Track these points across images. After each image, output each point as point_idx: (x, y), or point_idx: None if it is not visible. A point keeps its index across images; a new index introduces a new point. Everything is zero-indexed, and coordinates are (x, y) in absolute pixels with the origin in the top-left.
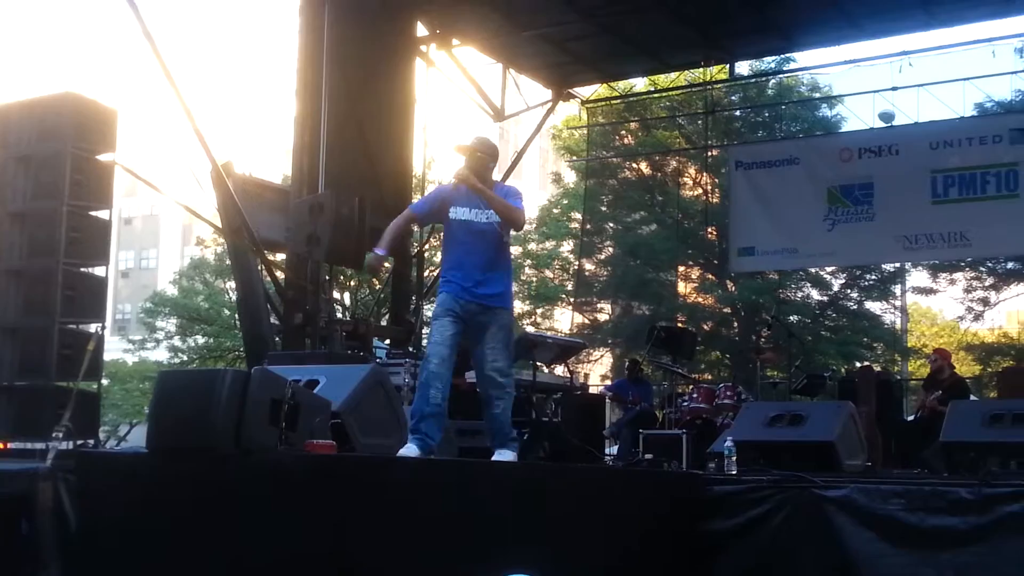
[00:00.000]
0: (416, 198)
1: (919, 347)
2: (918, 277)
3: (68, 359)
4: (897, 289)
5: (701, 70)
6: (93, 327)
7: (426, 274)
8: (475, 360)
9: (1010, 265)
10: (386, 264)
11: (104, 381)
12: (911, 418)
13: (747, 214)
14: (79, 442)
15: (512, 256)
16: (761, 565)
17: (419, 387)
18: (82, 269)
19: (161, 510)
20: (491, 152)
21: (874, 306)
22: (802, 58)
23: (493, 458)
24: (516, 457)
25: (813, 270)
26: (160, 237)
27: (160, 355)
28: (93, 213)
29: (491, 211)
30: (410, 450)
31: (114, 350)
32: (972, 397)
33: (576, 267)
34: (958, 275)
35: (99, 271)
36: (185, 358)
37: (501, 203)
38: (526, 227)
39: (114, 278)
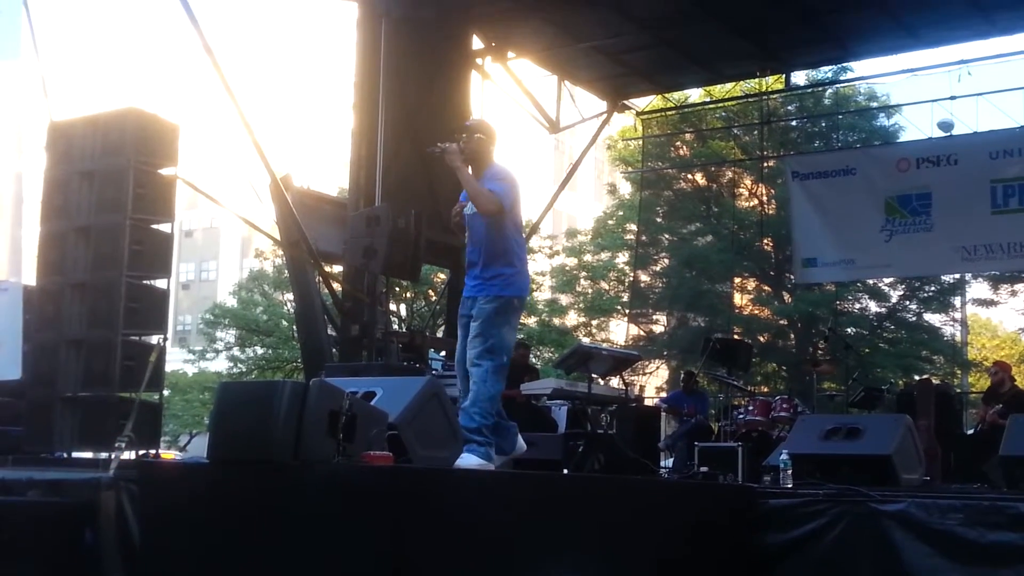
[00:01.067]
0: None
1: (979, 360)
2: (978, 289)
3: (131, 370)
4: (957, 301)
5: (756, 80)
6: (155, 339)
7: None
8: None
9: None
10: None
11: (165, 392)
12: (971, 431)
13: (806, 225)
14: (141, 452)
15: (567, 267)
16: None
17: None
18: (144, 281)
19: (221, 520)
20: (489, 133)
21: (933, 318)
22: (859, 67)
23: (457, 461)
24: (480, 461)
25: (871, 281)
26: (220, 249)
27: (220, 366)
28: (155, 226)
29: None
30: (465, 460)
31: (175, 361)
32: None
33: (631, 278)
34: (1019, 286)
35: (161, 283)
36: (244, 369)
37: (468, 184)
38: (581, 238)
39: (175, 290)
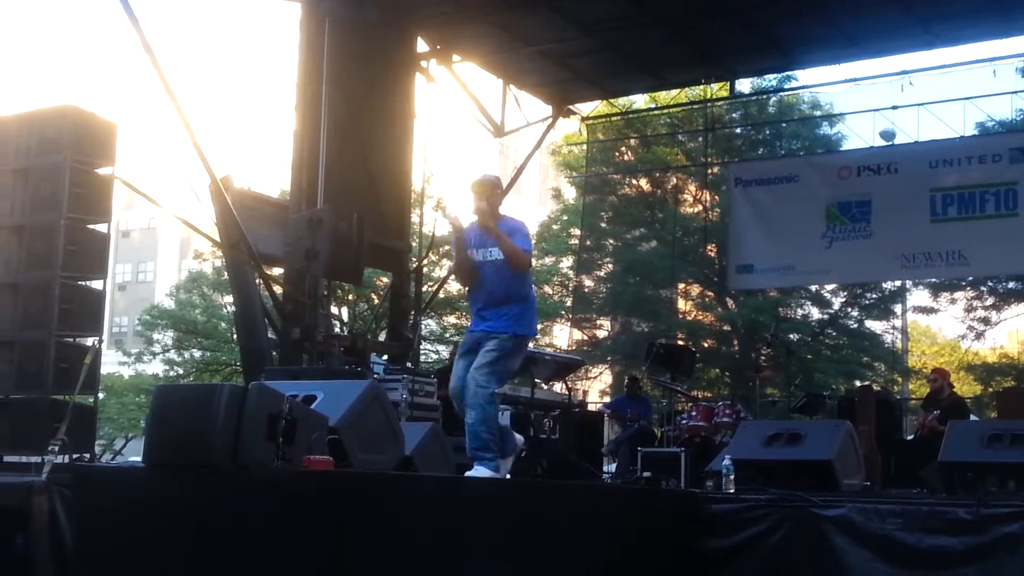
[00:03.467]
0: (415, 213)
1: (919, 367)
2: (919, 296)
3: (65, 372)
4: (897, 308)
5: (702, 87)
6: (90, 340)
7: (424, 289)
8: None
9: (1011, 284)
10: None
11: (100, 395)
12: (911, 437)
13: (746, 231)
14: (75, 456)
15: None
16: None
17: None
18: (80, 282)
19: (157, 525)
20: (501, 188)
21: (875, 325)
22: (803, 76)
23: (468, 473)
24: (491, 472)
25: (814, 288)
26: (158, 250)
27: (157, 368)
28: (91, 226)
29: (497, 248)
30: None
31: (111, 363)
32: (972, 417)
33: (575, 283)
34: (959, 294)
35: (96, 284)
36: (182, 372)
37: (508, 246)
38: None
39: (111, 291)
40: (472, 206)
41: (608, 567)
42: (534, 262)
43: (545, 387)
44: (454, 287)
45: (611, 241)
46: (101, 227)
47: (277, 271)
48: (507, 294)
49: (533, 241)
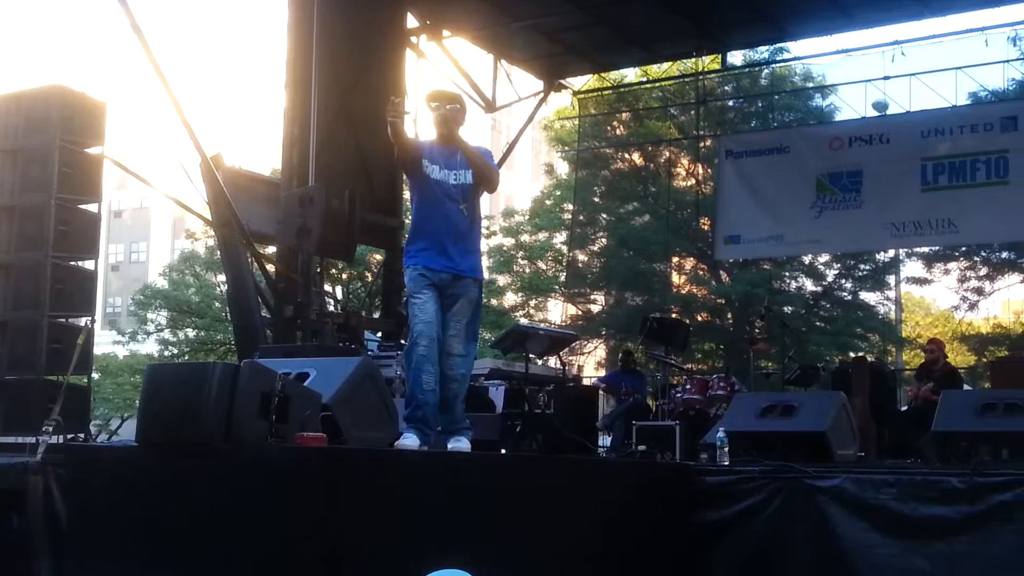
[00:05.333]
0: (406, 190)
1: (913, 337)
2: (912, 267)
3: (58, 353)
4: (891, 279)
5: (693, 60)
6: (83, 321)
7: None
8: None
9: (1004, 254)
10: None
11: (94, 375)
12: (905, 408)
13: (734, 202)
14: (69, 436)
15: (504, 247)
16: (754, 555)
17: (411, 373)
18: (71, 263)
19: (152, 503)
20: (464, 107)
21: (868, 296)
22: (795, 48)
23: (450, 447)
24: (470, 445)
25: (807, 260)
26: (150, 230)
27: (151, 348)
28: (82, 206)
29: (466, 170)
30: (409, 440)
31: (104, 343)
32: (966, 387)
33: (569, 258)
34: (952, 265)
35: (88, 264)
36: (176, 351)
37: (480, 159)
38: (519, 218)
39: (104, 271)
40: (433, 118)
41: (603, 540)
42: (527, 237)
43: (539, 362)
44: None
45: (604, 215)
46: (92, 207)
47: (270, 249)
48: (472, 225)
49: (527, 217)
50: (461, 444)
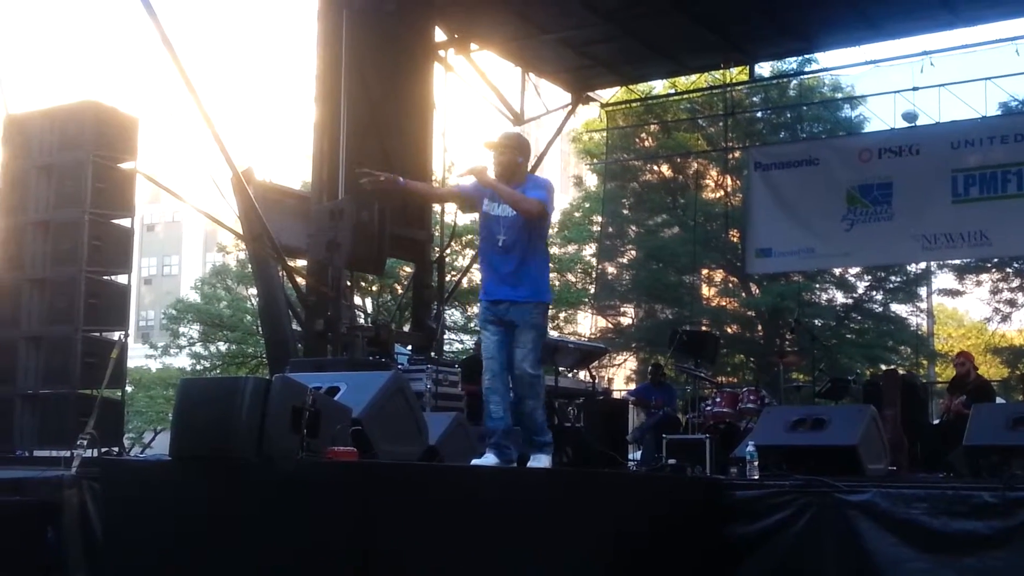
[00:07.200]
0: (436, 204)
1: (945, 350)
2: (944, 279)
3: (92, 367)
4: (923, 291)
5: (721, 72)
6: (116, 335)
7: (447, 279)
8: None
9: None
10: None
11: (128, 388)
12: (937, 421)
13: (764, 215)
14: (103, 450)
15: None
16: (784, 570)
17: (483, 403)
18: (105, 277)
19: (184, 518)
20: (518, 145)
21: (900, 309)
22: (824, 59)
23: (528, 464)
24: (549, 462)
25: (838, 272)
26: (182, 244)
27: (183, 362)
28: (115, 221)
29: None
30: (485, 459)
31: (137, 357)
32: (998, 400)
33: (598, 271)
34: (984, 276)
35: (122, 279)
36: (208, 365)
37: (507, 192)
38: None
39: (137, 285)
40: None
41: (635, 555)
42: (556, 249)
43: (569, 375)
44: (477, 276)
45: (633, 228)
46: (125, 222)
47: (300, 263)
48: (525, 254)
49: (555, 230)
50: (539, 461)
